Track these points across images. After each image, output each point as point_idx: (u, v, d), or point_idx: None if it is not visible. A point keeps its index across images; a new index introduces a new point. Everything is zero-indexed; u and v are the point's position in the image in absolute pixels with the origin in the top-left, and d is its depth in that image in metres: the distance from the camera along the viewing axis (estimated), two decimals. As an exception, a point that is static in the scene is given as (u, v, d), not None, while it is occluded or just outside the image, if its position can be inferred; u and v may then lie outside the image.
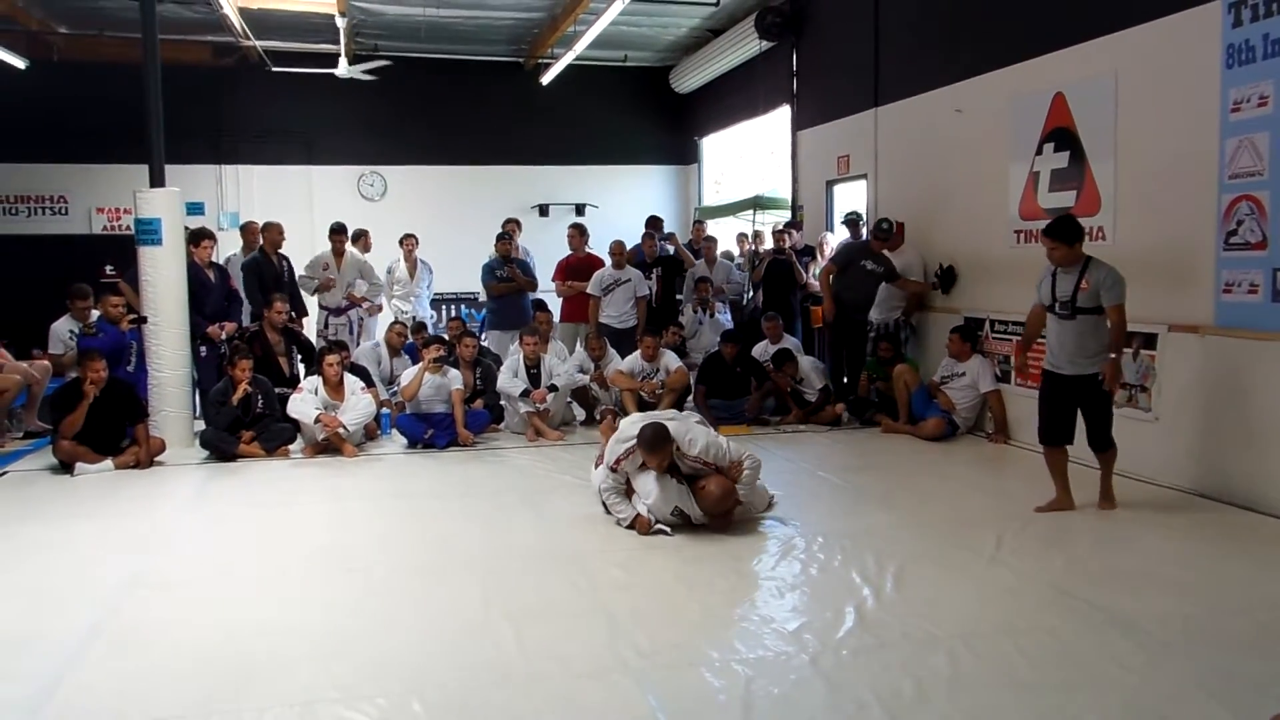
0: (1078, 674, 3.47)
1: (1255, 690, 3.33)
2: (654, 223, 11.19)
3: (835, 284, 8.81)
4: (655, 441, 5.18)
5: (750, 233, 11.99)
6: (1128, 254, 6.29)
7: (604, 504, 5.51)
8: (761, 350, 9.18)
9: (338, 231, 10.07)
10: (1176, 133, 6.10)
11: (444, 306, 12.78)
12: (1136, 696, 3.30)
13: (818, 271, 10.27)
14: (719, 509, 5.26)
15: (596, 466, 5.73)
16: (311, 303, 10.13)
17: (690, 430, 5.35)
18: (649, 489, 5.28)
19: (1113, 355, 5.30)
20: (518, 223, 11.43)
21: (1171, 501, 5.77)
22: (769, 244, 10.71)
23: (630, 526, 5.31)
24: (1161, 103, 6.23)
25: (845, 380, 9.05)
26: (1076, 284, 5.33)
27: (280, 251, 9.24)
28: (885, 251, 8.52)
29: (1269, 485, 5.42)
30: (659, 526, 5.24)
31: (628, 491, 5.42)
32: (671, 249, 11.08)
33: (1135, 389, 6.34)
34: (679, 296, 10.51)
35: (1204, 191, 5.81)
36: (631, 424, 5.47)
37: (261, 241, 9.23)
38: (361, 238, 10.88)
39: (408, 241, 10.77)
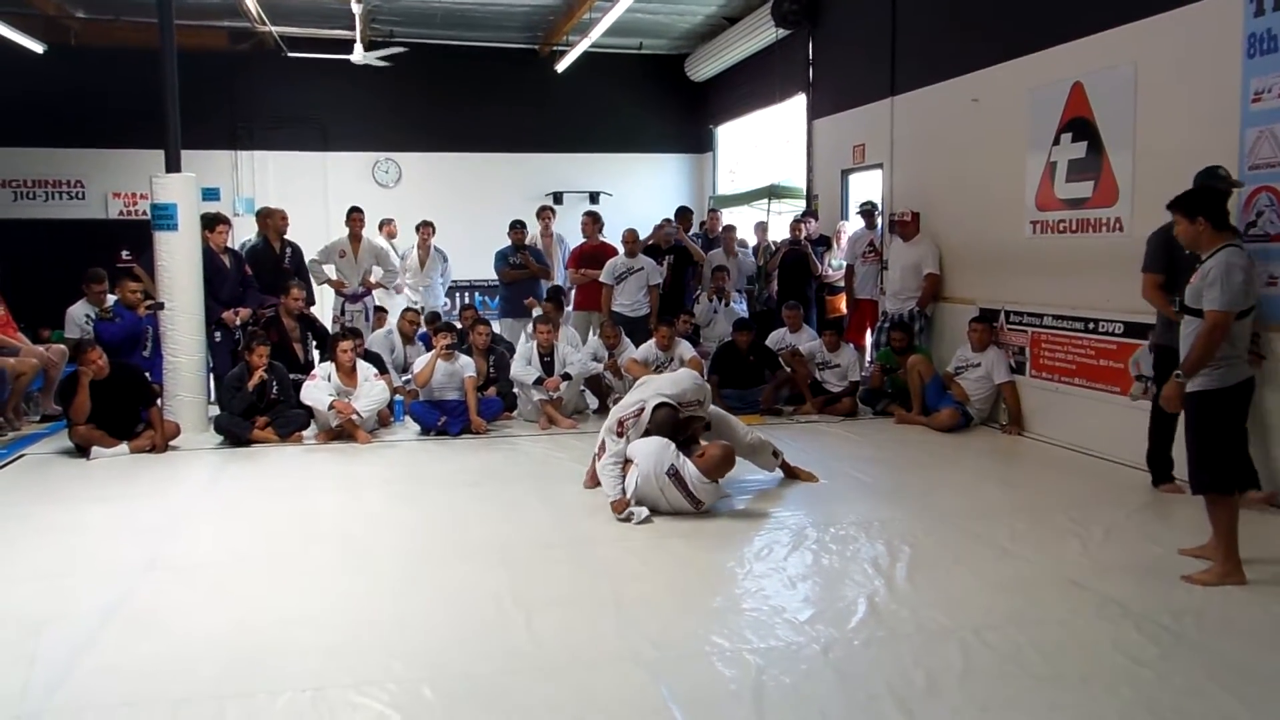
0: (1090, 666, 3.46)
1: (1269, 683, 3.32)
2: (680, 214, 11.10)
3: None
4: (670, 425, 5.51)
5: (765, 222, 11.96)
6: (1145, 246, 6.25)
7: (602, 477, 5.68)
8: (779, 339, 9.16)
9: (355, 212, 10.05)
10: (1196, 123, 6.04)
11: (458, 294, 12.79)
12: (1149, 689, 3.28)
13: (834, 261, 10.25)
14: (717, 473, 5.44)
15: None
16: (325, 289, 10.15)
17: (687, 387, 5.76)
18: (645, 449, 5.42)
19: (1177, 374, 4.33)
20: (552, 210, 11.42)
21: (1186, 495, 5.72)
22: (785, 234, 10.66)
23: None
24: (1181, 93, 6.17)
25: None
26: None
27: (286, 238, 9.26)
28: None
29: (1286, 479, 5.38)
30: (636, 509, 5.32)
31: (625, 465, 5.54)
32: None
33: (1150, 381, 6.30)
34: (698, 287, 10.49)
35: (1223, 183, 5.75)
36: (638, 392, 5.82)
37: (259, 228, 9.28)
38: (386, 225, 10.89)
39: (424, 229, 10.65)
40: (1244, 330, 4.31)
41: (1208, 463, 4.32)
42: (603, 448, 5.69)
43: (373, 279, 10.04)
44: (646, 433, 5.55)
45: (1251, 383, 4.38)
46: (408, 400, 8.17)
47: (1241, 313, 4.23)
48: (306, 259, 9.60)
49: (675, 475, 5.31)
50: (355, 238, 9.96)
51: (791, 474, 6.23)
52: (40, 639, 3.76)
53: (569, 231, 11.32)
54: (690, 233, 11.11)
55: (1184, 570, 4.38)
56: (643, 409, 5.57)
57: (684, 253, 10.44)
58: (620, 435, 5.54)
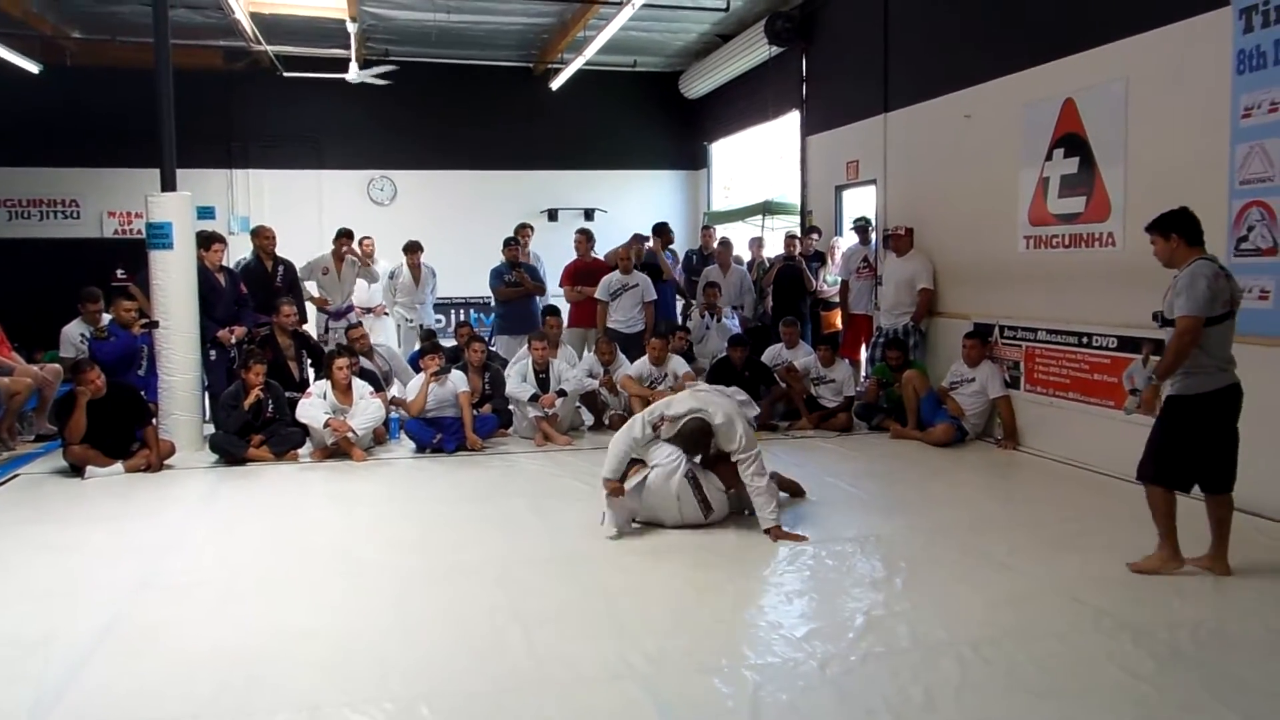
0: (1088, 681, 3.46)
1: (1268, 697, 3.32)
2: (658, 230, 11.06)
3: None
4: (693, 439, 5.40)
5: (760, 238, 11.95)
6: (1137, 261, 6.26)
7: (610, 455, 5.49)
8: (775, 354, 9.16)
9: (343, 235, 10.06)
10: (1187, 138, 6.09)
11: (453, 311, 12.79)
12: (1148, 704, 3.28)
13: (829, 277, 10.29)
14: (734, 481, 5.47)
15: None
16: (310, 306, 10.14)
17: (734, 425, 5.39)
18: (663, 456, 5.39)
19: (1153, 379, 4.49)
20: (530, 228, 11.42)
21: (1181, 509, 5.72)
22: (780, 250, 10.67)
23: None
24: (1172, 108, 6.22)
25: None
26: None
27: (279, 255, 9.25)
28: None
29: (1277, 492, 5.39)
30: (609, 514, 5.32)
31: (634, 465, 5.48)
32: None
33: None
34: (690, 304, 10.48)
35: (1214, 197, 5.78)
36: (688, 398, 5.55)
37: (254, 246, 9.28)
38: (364, 242, 10.89)
39: (414, 253, 10.68)
40: (1220, 338, 4.39)
41: (1160, 458, 4.57)
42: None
43: (371, 287, 10.03)
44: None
45: (1234, 391, 4.45)
46: (404, 417, 8.16)
47: (1215, 320, 4.32)
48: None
49: (693, 479, 5.36)
50: (339, 257, 9.98)
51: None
52: (36, 659, 3.74)
53: (565, 249, 11.27)
54: (684, 249, 11.07)
55: (1178, 583, 4.40)
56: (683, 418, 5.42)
57: (656, 270, 10.42)
58: (655, 429, 5.44)
